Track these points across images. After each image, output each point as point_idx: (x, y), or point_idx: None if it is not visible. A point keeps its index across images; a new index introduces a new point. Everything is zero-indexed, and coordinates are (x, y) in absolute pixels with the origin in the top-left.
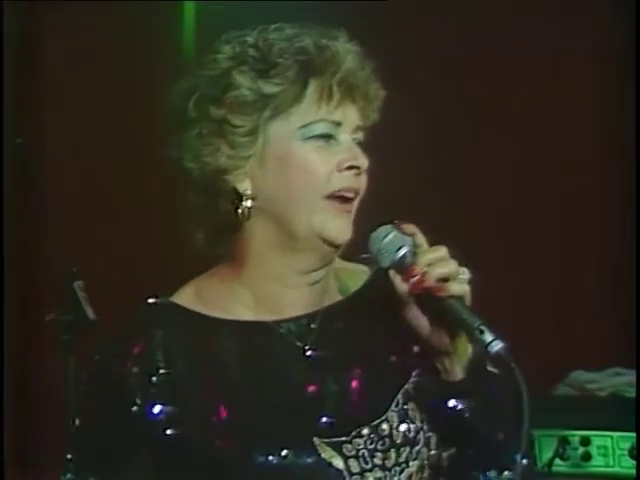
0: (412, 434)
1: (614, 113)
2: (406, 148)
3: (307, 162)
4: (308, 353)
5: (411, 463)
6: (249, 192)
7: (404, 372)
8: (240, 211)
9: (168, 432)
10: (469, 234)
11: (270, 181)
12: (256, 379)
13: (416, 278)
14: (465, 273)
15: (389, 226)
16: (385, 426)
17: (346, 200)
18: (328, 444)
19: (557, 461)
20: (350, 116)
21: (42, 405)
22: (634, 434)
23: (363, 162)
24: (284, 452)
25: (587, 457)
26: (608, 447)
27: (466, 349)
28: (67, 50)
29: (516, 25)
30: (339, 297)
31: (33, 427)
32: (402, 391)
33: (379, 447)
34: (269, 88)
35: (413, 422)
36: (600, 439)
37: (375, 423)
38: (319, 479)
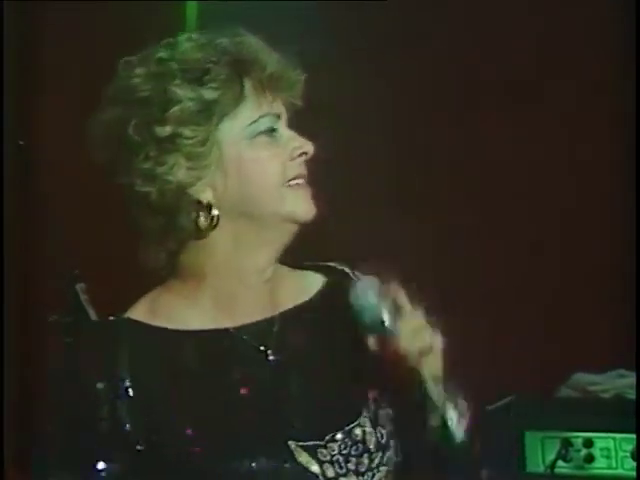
0: (384, 440)
1: (614, 113)
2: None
3: (260, 159)
4: (271, 357)
5: (381, 468)
6: (212, 200)
7: (373, 377)
8: (203, 220)
9: (137, 447)
10: (467, 232)
11: (230, 184)
12: (222, 386)
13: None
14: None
15: (371, 285)
16: (358, 431)
17: (301, 184)
18: (303, 448)
19: (560, 463)
20: (282, 108)
21: (42, 405)
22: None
23: (310, 148)
24: (260, 458)
25: (590, 459)
26: (611, 449)
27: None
28: (67, 50)
29: (514, 24)
30: (292, 300)
31: (33, 427)
32: (373, 396)
33: (353, 452)
34: (209, 94)
35: (384, 428)
36: (603, 441)
37: (348, 428)
38: None
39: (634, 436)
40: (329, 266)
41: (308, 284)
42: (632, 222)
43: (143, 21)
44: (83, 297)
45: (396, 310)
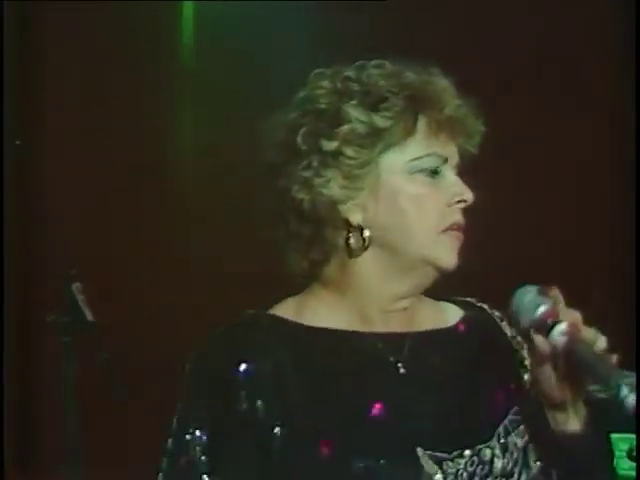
0: (510, 467)
1: (614, 114)
2: None
3: (419, 197)
4: (402, 370)
5: None
6: (361, 223)
7: (503, 406)
8: (353, 241)
9: (274, 431)
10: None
11: (382, 212)
12: (351, 387)
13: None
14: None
15: (532, 287)
16: (488, 452)
17: (455, 233)
18: (430, 457)
19: None
20: (453, 152)
21: (42, 405)
22: (633, 436)
23: (470, 196)
24: (385, 459)
25: None
26: None
27: (583, 407)
28: (67, 50)
29: (515, 26)
30: (429, 325)
31: (33, 427)
32: (503, 424)
33: (478, 471)
34: (381, 122)
35: (512, 456)
36: None
37: (478, 447)
38: None
39: (630, 436)
40: (468, 301)
41: (447, 314)
42: (632, 222)
43: (143, 21)
44: (79, 297)
45: (555, 304)
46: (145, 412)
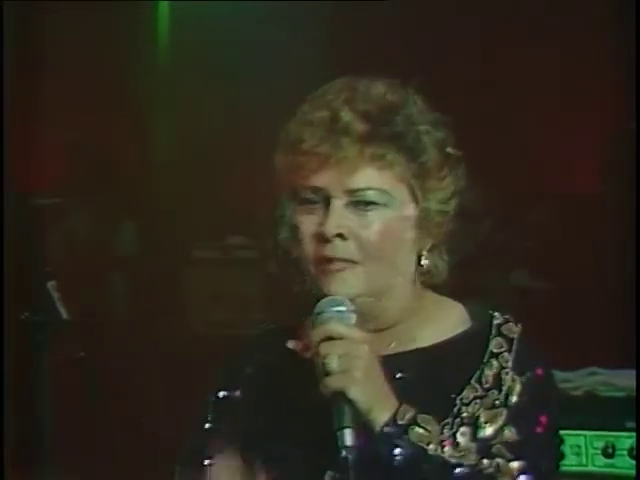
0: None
1: (614, 114)
2: None
3: (297, 227)
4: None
5: None
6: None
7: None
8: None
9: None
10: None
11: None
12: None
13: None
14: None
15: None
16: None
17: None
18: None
19: None
20: (335, 180)
21: (42, 405)
22: (607, 433)
23: (329, 230)
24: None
25: (560, 456)
26: (581, 446)
27: None
28: (67, 50)
29: (515, 26)
30: (399, 348)
31: (33, 427)
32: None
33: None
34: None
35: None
36: (573, 438)
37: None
38: None
39: (604, 433)
40: (481, 309)
41: (436, 331)
42: (632, 222)
43: (141, 21)
44: (55, 295)
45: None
46: (124, 410)
